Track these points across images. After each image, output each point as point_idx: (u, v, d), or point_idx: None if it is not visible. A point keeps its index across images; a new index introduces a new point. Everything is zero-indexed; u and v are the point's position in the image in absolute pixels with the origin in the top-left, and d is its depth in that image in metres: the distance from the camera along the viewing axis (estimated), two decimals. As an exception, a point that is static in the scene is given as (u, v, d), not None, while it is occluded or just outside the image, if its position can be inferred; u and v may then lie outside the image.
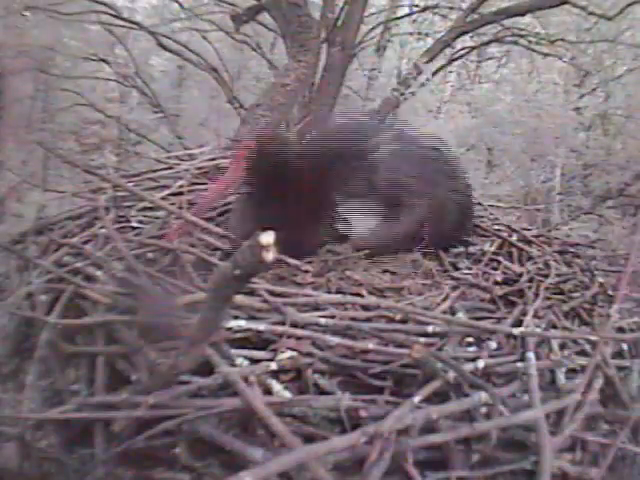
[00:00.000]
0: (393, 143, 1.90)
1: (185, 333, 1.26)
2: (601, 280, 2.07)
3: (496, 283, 1.88)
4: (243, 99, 7.38)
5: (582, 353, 1.63)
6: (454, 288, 1.79)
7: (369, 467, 1.15)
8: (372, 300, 1.61)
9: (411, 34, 7.52)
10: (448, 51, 6.43)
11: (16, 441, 1.44)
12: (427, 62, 5.69)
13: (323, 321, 1.45)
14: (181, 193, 2.15)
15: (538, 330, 1.60)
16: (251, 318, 1.45)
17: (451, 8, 6.53)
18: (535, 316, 1.67)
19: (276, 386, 1.32)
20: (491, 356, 1.48)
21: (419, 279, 1.83)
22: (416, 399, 1.27)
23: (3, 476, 1.49)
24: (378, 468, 1.15)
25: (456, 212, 2.01)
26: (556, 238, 2.45)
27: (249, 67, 8.49)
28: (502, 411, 1.32)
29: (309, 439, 1.22)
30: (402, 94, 5.67)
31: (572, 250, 2.35)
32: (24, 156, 7.90)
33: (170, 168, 2.43)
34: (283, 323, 1.43)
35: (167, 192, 2.18)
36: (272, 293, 1.53)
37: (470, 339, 1.55)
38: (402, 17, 7.30)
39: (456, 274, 1.91)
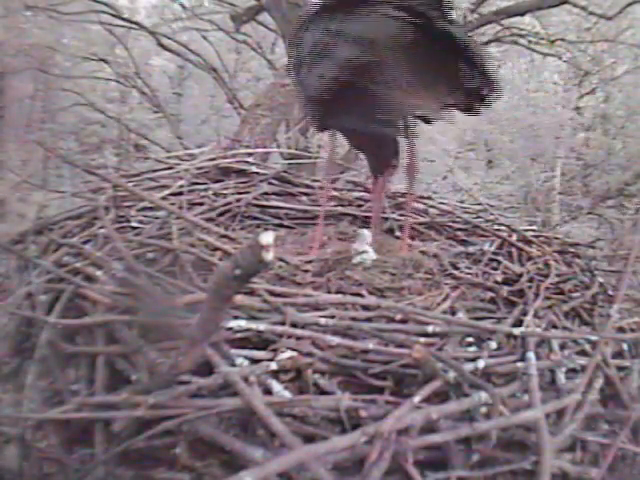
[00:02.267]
0: None
1: (185, 333, 1.26)
2: (601, 280, 2.07)
3: (496, 283, 1.88)
4: (243, 99, 7.38)
5: (582, 353, 1.63)
6: (454, 288, 1.79)
7: (369, 467, 1.15)
8: (372, 300, 1.61)
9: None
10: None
11: (16, 441, 1.44)
12: None
13: (323, 321, 1.45)
14: (181, 193, 2.15)
15: (538, 330, 1.60)
16: (251, 318, 1.45)
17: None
18: (535, 316, 1.67)
19: (276, 386, 1.32)
20: (491, 356, 1.48)
21: (419, 279, 1.83)
22: (416, 399, 1.27)
23: (3, 476, 1.49)
24: (378, 468, 1.15)
25: None
26: (556, 238, 2.45)
27: (249, 67, 8.49)
28: (502, 411, 1.32)
29: (309, 439, 1.22)
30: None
31: (572, 250, 2.35)
32: (24, 156, 7.91)
33: (170, 168, 2.43)
34: (283, 323, 1.43)
35: (167, 192, 2.18)
36: (272, 293, 1.53)
37: (470, 339, 1.55)
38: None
39: (457, 274, 1.91)
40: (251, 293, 1.51)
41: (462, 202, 2.85)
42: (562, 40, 6.55)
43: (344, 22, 1.64)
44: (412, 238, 2.26)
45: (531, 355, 1.48)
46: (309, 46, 1.74)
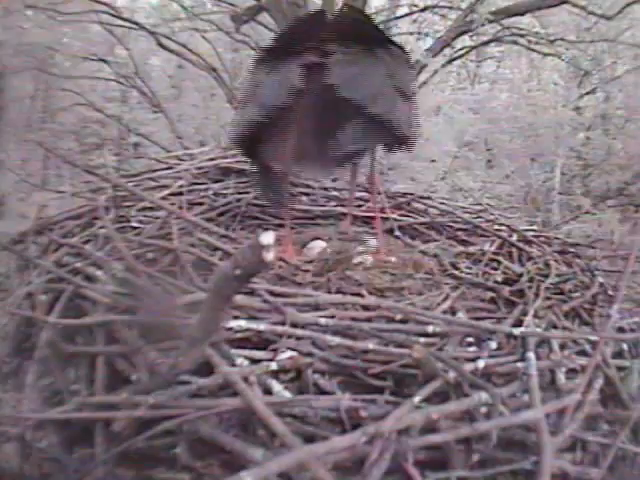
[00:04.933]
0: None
1: (185, 333, 1.26)
2: (601, 280, 2.07)
3: (496, 283, 1.88)
4: (243, 99, 7.34)
5: (582, 353, 1.63)
6: (454, 288, 1.79)
7: (369, 467, 1.15)
8: (372, 300, 1.61)
9: (411, 34, 7.51)
10: (447, 51, 6.44)
11: (16, 441, 1.44)
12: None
13: (323, 321, 1.45)
14: (181, 193, 2.15)
15: (538, 330, 1.60)
16: (251, 318, 1.45)
17: (450, 8, 6.53)
18: (535, 316, 1.67)
19: (276, 386, 1.32)
20: (491, 356, 1.48)
21: (419, 279, 1.83)
22: (416, 399, 1.27)
23: (3, 476, 1.49)
24: (378, 468, 1.15)
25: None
26: (556, 238, 2.45)
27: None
28: (502, 411, 1.32)
29: (309, 439, 1.22)
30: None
31: (572, 250, 2.34)
32: (24, 156, 7.91)
33: (170, 168, 2.43)
34: (283, 323, 1.43)
35: (167, 192, 2.18)
36: (272, 293, 1.53)
37: (470, 339, 1.55)
38: (402, 17, 7.30)
39: (457, 274, 1.91)
40: (251, 293, 1.51)
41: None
42: (562, 40, 6.56)
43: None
44: (412, 238, 2.26)
45: (531, 355, 1.48)
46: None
